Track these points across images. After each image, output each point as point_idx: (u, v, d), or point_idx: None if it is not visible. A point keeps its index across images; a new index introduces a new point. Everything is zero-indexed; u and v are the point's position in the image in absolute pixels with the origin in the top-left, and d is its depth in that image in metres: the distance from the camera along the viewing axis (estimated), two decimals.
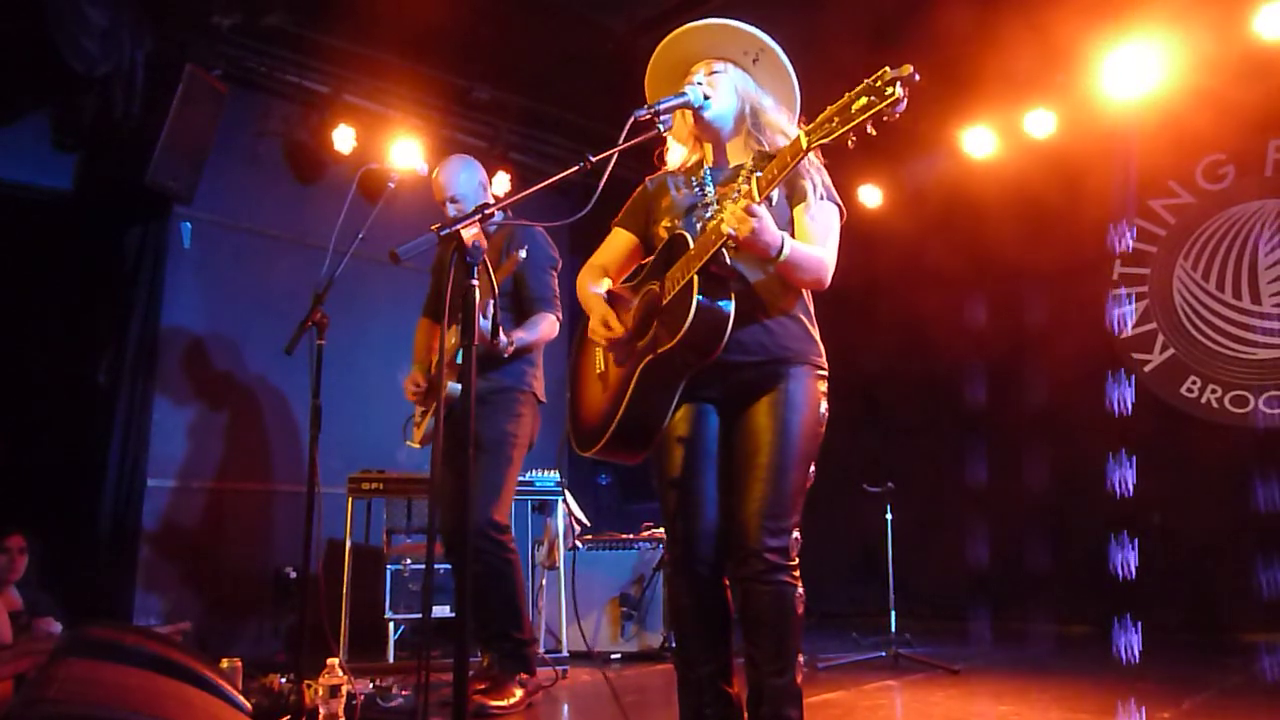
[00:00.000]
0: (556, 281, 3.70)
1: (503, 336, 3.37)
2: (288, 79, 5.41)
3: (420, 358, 3.83)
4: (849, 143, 1.93)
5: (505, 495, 3.49)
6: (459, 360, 3.45)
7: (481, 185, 3.70)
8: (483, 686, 3.40)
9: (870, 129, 1.88)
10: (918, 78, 1.83)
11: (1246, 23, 4.85)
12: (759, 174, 2.09)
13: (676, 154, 2.48)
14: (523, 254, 3.31)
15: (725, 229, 2.06)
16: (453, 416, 3.47)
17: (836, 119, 1.91)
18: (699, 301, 2.09)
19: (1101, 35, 5.12)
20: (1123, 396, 5.40)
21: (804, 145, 1.98)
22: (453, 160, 3.73)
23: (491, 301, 3.26)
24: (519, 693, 3.42)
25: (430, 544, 2.21)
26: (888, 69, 1.84)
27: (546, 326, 3.56)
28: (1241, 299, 5.46)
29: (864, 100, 1.87)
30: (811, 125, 1.98)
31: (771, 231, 2.08)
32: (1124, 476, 5.33)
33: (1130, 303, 5.83)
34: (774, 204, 2.21)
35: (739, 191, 2.12)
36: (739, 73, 2.35)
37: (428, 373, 3.71)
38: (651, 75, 2.46)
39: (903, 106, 1.83)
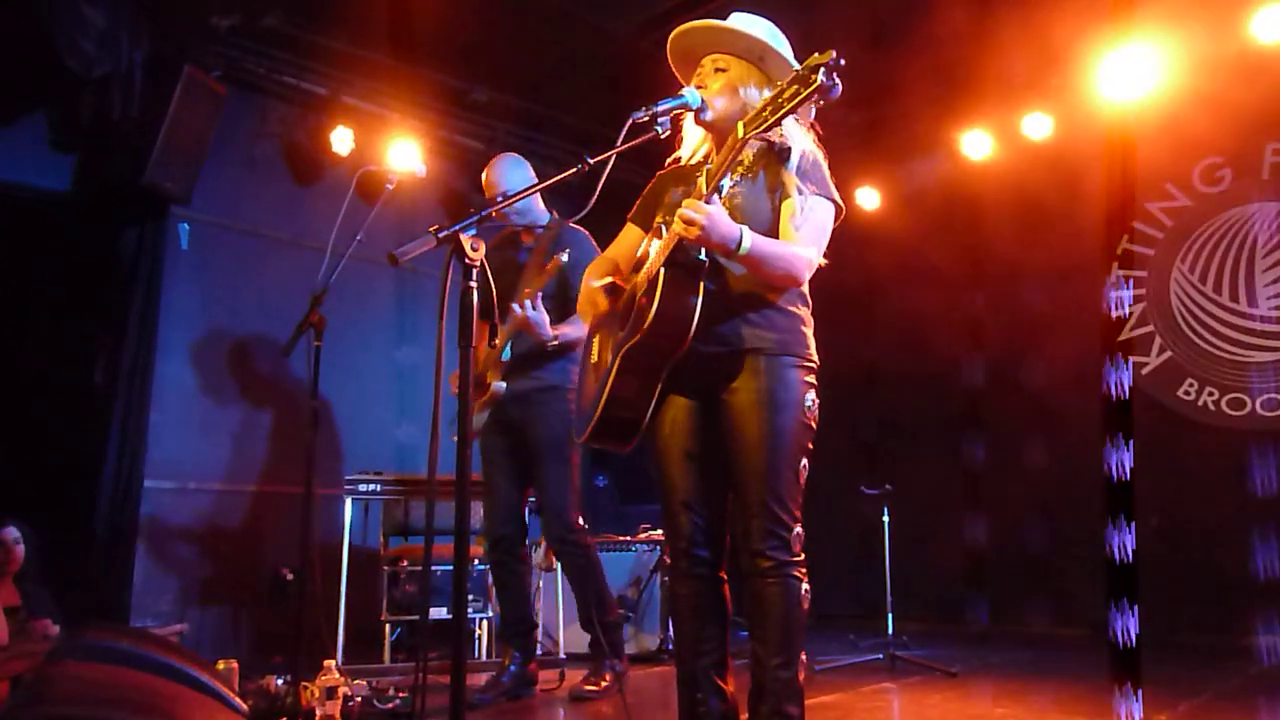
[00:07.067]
0: None
1: (548, 329, 3.47)
2: (286, 80, 5.40)
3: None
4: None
5: (574, 495, 3.68)
6: (505, 358, 3.60)
7: (531, 183, 3.75)
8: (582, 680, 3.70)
9: (797, 117, 2.02)
10: (843, 63, 1.88)
11: (1243, 25, 4.86)
12: (708, 166, 2.14)
13: (690, 140, 2.49)
14: (564, 257, 3.42)
15: (673, 228, 2.11)
16: (505, 419, 3.64)
17: (769, 109, 1.98)
18: (662, 292, 2.13)
19: (1098, 38, 5.13)
20: (1120, 381, 5.37)
21: (740, 135, 2.04)
22: (503, 158, 3.83)
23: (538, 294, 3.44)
24: (609, 676, 3.68)
25: (428, 545, 2.22)
26: (815, 55, 1.89)
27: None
28: (1239, 301, 5.47)
29: (793, 89, 1.92)
30: (748, 117, 2.05)
31: (723, 226, 2.10)
32: (1122, 461, 5.30)
33: (1127, 305, 5.83)
34: (731, 196, 2.23)
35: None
36: (743, 71, 2.34)
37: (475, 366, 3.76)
38: (671, 59, 2.49)
39: (836, 92, 1.89)
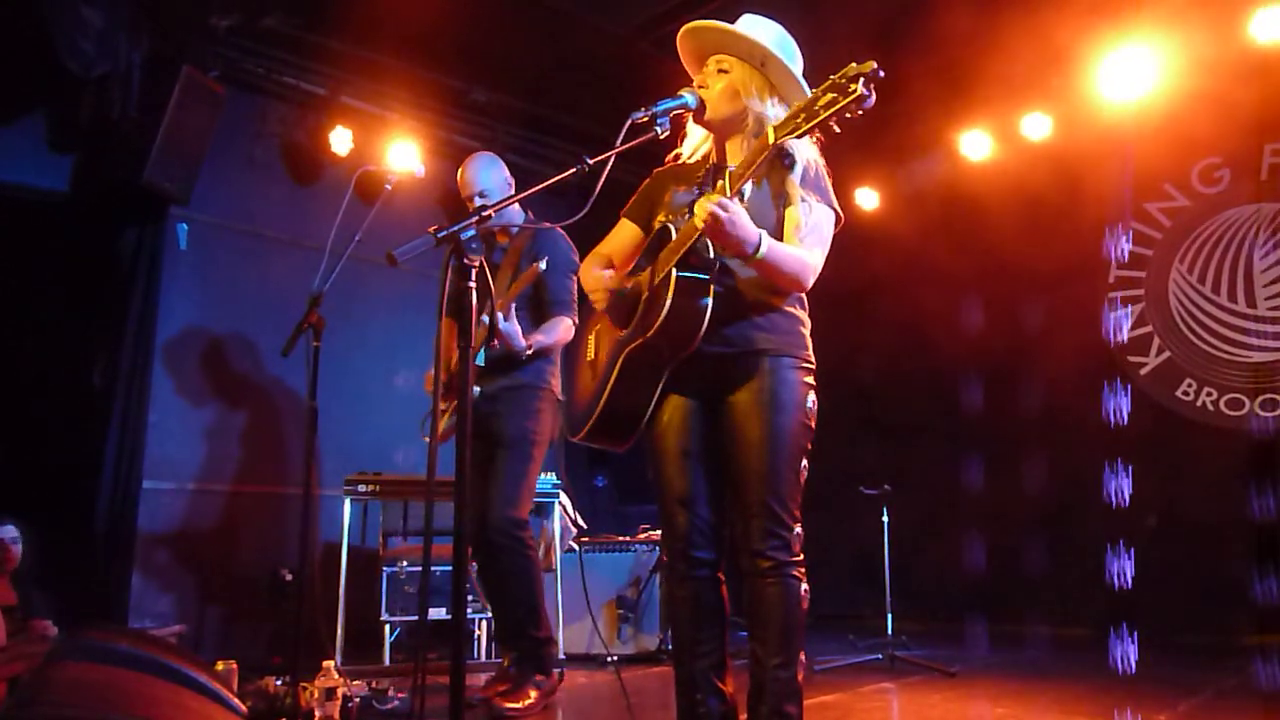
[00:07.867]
0: (576, 285, 3.73)
1: (522, 340, 3.41)
2: (285, 80, 5.40)
3: (445, 356, 3.85)
4: (813, 140, 2.00)
5: (526, 492, 3.56)
6: (479, 362, 3.53)
7: (506, 182, 3.75)
8: (502, 688, 3.44)
9: (835, 125, 1.93)
10: (882, 74, 1.85)
11: (1243, 26, 4.86)
12: (731, 169, 2.14)
13: (692, 139, 2.48)
14: (543, 265, 3.35)
15: (695, 222, 2.09)
16: (476, 418, 3.50)
17: (803, 115, 1.96)
18: (674, 293, 2.13)
19: (1098, 38, 5.13)
20: (1119, 406, 5.40)
21: (771, 141, 2.02)
22: (478, 157, 3.80)
23: (512, 304, 3.37)
24: (534, 694, 3.43)
25: (427, 545, 2.21)
26: (853, 65, 1.88)
27: (563, 330, 3.61)
28: (1237, 302, 5.47)
29: (829, 97, 1.90)
30: (779, 122, 2.03)
31: (745, 228, 2.09)
32: (1119, 483, 5.33)
33: (1126, 306, 5.84)
34: (747, 200, 2.21)
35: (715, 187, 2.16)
36: (745, 74, 2.33)
37: (448, 370, 3.73)
38: (682, 58, 2.47)
39: (870, 102, 1.87)
